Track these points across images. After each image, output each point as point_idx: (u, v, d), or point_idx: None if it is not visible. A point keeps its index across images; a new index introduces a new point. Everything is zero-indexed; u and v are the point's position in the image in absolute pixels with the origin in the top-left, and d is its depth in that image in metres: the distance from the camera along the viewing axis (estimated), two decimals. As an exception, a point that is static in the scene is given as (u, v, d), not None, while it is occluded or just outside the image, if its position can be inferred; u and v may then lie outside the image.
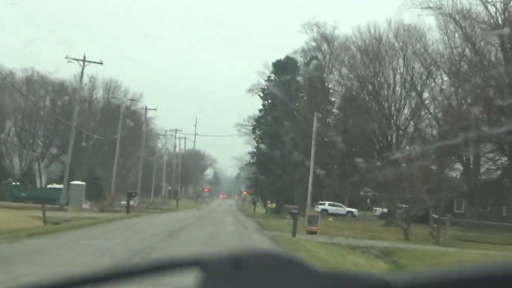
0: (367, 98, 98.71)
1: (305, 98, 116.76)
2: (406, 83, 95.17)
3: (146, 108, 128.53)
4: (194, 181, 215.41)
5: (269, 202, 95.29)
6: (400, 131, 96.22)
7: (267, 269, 1.77)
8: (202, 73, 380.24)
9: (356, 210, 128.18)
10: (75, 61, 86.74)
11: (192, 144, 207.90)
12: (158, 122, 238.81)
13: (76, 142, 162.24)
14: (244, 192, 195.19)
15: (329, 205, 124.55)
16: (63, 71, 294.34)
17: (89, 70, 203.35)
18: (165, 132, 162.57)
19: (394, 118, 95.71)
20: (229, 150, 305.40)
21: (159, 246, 34.28)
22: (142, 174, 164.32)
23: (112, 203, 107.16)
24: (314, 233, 61.23)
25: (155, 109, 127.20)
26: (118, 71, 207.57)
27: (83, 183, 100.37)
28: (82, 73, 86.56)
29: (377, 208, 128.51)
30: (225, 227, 60.26)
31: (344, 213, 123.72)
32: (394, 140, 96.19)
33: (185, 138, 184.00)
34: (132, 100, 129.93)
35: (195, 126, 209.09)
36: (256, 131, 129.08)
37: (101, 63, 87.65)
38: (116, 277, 1.98)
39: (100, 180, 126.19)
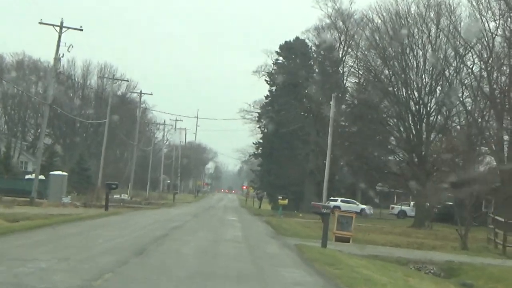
0: (391, 79, 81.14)
1: (317, 82, 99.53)
2: (439, 62, 77.78)
3: (140, 93, 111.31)
4: (195, 175, 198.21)
5: (280, 197, 78.15)
6: (432, 117, 78.80)
7: None
8: (206, 62, 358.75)
9: (371, 207, 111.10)
10: (52, 27, 68.90)
11: (193, 136, 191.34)
12: (158, 113, 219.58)
13: (70, 132, 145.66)
14: (245, 187, 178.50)
15: (342, 201, 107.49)
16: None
17: (85, 55, 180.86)
18: (164, 121, 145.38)
19: (422, 102, 78.26)
20: (232, 143, 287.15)
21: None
22: (140, 167, 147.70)
23: (98, 197, 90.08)
24: (346, 240, 44.05)
25: (151, 94, 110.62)
26: (114, 58, 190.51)
27: (65, 173, 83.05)
28: (58, 41, 68.80)
29: (394, 206, 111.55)
30: (227, 232, 42.74)
31: (358, 210, 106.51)
32: (424, 128, 78.71)
33: (185, 129, 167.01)
34: (121, 80, 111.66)
35: (197, 118, 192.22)
36: (262, 120, 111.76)
37: (81, 30, 69.83)
38: None
39: (90, 171, 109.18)
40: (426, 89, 78.36)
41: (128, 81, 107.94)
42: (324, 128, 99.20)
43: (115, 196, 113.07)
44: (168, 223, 46.16)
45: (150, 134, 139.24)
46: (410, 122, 78.55)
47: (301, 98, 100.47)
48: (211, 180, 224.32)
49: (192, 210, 74.56)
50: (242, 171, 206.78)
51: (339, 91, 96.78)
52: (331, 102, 78.73)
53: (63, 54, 69.15)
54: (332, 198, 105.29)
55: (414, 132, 78.49)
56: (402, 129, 79.52)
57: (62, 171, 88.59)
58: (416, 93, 78.49)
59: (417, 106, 78.48)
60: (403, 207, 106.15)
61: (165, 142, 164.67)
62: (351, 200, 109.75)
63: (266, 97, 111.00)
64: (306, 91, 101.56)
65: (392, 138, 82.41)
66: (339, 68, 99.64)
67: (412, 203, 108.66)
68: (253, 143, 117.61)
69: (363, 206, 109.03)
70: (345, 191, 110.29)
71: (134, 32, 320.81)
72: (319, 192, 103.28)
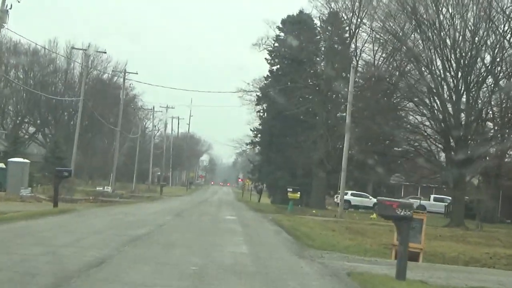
0: (423, 47, 62.74)
1: (327, 56, 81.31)
2: (482, 27, 59.75)
3: (124, 72, 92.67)
4: (188, 167, 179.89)
5: (290, 190, 59.84)
6: (472, 93, 60.52)
7: None
8: (200, 48, 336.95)
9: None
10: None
11: (187, 128, 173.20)
12: (149, 103, 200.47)
13: (54, 120, 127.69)
14: (241, 179, 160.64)
15: (352, 195, 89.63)
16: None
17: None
18: (153, 107, 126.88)
19: (462, 74, 60.03)
20: (227, 132, 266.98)
21: None
22: (130, 158, 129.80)
23: (70, 188, 72.08)
24: (413, 257, 26.20)
25: (136, 73, 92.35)
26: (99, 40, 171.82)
27: (26, 160, 64.84)
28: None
29: (413, 200, 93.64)
30: (224, 247, 24.03)
31: (371, 205, 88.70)
32: (463, 106, 60.44)
33: (178, 118, 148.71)
34: (98, 52, 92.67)
35: (190, 107, 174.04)
36: (261, 103, 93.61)
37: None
38: None
39: (66, 160, 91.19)
40: (466, 60, 60.26)
41: (105, 52, 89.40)
42: (336, 109, 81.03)
43: (97, 188, 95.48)
44: (129, 230, 27.59)
45: (139, 121, 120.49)
46: (446, 98, 60.31)
47: (306, 77, 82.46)
48: (205, 172, 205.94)
49: (178, 206, 56.45)
50: (237, 163, 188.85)
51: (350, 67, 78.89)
52: (351, 72, 60.97)
53: (11, 5, 50.56)
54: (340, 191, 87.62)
55: (450, 111, 60.35)
56: (435, 106, 61.22)
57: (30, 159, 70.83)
58: (454, 64, 60.28)
59: (454, 80, 60.33)
60: (423, 202, 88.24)
61: (155, 131, 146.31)
62: (363, 193, 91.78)
63: (266, 77, 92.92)
64: (312, 71, 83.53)
65: (421, 118, 64.08)
66: (352, 42, 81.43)
67: (432, 196, 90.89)
68: (250, 129, 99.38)
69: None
70: (354, 183, 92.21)
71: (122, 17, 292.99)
72: (330, 184, 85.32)
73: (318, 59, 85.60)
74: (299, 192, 55.95)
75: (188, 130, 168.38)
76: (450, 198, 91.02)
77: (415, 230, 26.77)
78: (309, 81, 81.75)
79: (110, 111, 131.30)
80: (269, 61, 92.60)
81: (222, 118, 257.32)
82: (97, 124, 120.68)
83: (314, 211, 58.49)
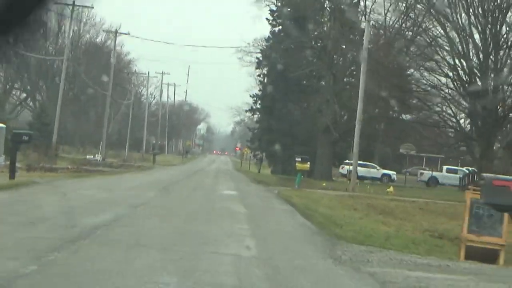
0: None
1: (331, 20, 72.55)
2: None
3: (116, 32, 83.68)
4: (185, 136, 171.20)
5: (299, 159, 50.49)
6: (502, 53, 51.87)
7: None
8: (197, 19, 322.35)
9: (394, 172, 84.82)
10: None
11: (184, 96, 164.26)
12: (144, 65, 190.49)
13: (48, 84, 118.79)
14: (238, 148, 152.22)
15: (359, 165, 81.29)
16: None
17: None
18: (148, 72, 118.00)
19: (491, 31, 51.40)
20: (225, 101, 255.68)
21: None
22: (126, 126, 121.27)
23: (52, 157, 63.84)
24: (490, 257, 18.05)
25: (128, 33, 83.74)
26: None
27: (1, 125, 56.39)
28: None
29: (424, 171, 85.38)
30: (218, 239, 16.05)
31: (379, 176, 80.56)
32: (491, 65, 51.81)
33: (174, 85, 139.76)
34: (83, 6, 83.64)
35: (188, 74, 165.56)
36: (261, 66, 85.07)
37: None
38: None
39: (52, 126, 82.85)
40: (496, 13, 51.64)
41: (92, 7, 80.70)
42: (344, 72, 72.43)
43: (88, 156, 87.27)
44: (86, 216, 18.46)
45: (132, 86, 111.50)
46: (472, 57, 51.77)
47: (311, 39, 73.76)
48: (203, 141, 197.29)
49: (168, 177, 47.52)
50: (235, 132, 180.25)
51: (359, 27, 70.25)
52: (366, 25, 52.49)
53: None
54: (347, 161, 79.24)
55: (478, 72, 51.81)
56: (458, 65, 52.61)
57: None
58: (481, 19, 51.66)
59: (481, 36, 51.74)
60: (434, 173, 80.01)
61: (151, 98, 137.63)
62: (369, 163, 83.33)
63: (267, 39, 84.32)
64: (316, 32, 74.76)
65: (445, 80, 55.46)
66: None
67: (445, 168, 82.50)
68: (250, 96, 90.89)
69: (386, 171, 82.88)
70: (360, 153, 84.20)
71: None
72: (336, 153, 77.04)
73: (323, 20, 76.86)
74: (308, 163, 47.72)
75: (186, 98, 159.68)
76: (464, 169, 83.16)
77: (492, 219, 18.44)
78: (313, 42, 73.05)
79: (104, 77, 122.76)
80: (270, 21, 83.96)
81: (221, 86, 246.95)
82: (90, 89, 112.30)
83: (324, 184, 50.02)
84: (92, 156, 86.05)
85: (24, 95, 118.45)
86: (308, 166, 44.78)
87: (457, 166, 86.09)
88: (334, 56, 70.19)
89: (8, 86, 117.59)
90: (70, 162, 69.80)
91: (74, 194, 25.97)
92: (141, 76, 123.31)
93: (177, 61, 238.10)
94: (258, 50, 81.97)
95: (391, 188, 49.68)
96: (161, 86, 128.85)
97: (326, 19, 70.97)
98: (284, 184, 49.47)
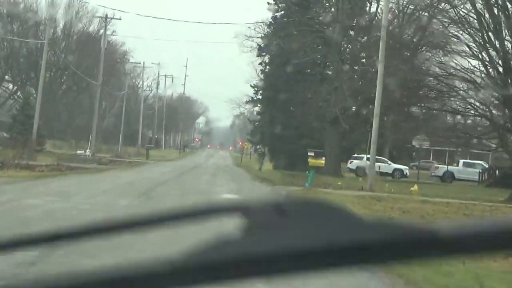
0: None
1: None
2: None
3: (106, 17, 75.46)
4: (184, 130, 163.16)
5: (311, 154, 42.20)
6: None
7: (312, 216, 1.45)
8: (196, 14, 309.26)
9: (406, 167, 76.93)
10: None
11: (182, 89, 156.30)
12: (140, 56, 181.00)
13: (38, 76, 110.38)
14: (240, 143, 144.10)
15: (369, 160, 73.75)
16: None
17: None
18: (143, 63, 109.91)
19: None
20: (224, 94, 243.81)
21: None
22: (120, 119, 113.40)
23: (31, 152, 56.07)
24: None
25: (120, 18, 75.91)
26: None
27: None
28: None
29: (438, 165, 77.53)
30: None
31: (390, 171, 72.71)
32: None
33: (172, 77, 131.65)
34: None
35: (186, 67, 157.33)
36: (263, 55, 77.23)
37: None
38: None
39: (33, 121, 75.08)
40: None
41: (105, 17, 72.71)
42: (353, 58, 64.43)
43: (78, 151, 79.55)
44: None
45: (125, 76, 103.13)
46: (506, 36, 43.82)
47: (316, 24, 65.88)
48: (202, 135, 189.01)
49: (157, 175, 39.73)
50: (235, 125, 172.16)
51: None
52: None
53: None
54: (355, 155, 71.57)
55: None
56: (489, 46, 44.61)
57: None
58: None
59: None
60: (450, 168, 72.20)
61: (148, 91, 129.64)
62: (380, 158, 75.50)
63: (269, 25, 76.48)
64: (320, 18, 66.83)
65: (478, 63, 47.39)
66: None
67: (462, 161, 74.46)
68: (250, 85, 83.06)
69: (398, 166, 75.01)
70: (367, 146, 76.31)
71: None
72: (345, 147, 69.25)
73: (328, 4, 69.00)
74: (323, 158, 40.00)
75: (184, 91, 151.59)
76: (482, 163, 75.32)
77: None
78: (319, 27, 65.07)
79: (97, 68, 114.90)
80: (271, 5, 76.03)
81: (220, 78, 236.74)
82: (82, 81, 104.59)
83: (339, 183, 41.93)
84: (83, 151, 78.28)
85: (15, 87, 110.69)
86: (323, 161, 36.66)
87: (467, 159, 78.35)
88: (342, 42, 62.21)
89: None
90: (56, 158, 62.14)
91: (8, 206, 18.14)
92: (138, 68, 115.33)
93: (175, 52, 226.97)
94: (259, 35, 74.00)
95: (416, 187, 41.84)
96: (158, 77, 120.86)
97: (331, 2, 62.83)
98: (291, 183, 41.61)
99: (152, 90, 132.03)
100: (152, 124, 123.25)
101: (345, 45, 63.11)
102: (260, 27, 74.11)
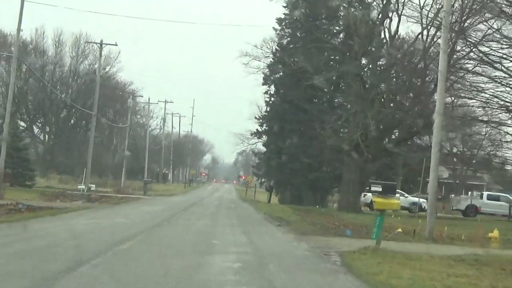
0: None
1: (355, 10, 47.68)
2: None
3: (101, 43, 58.41)
4: (192, 165, 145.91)
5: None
6: None
7: None
8: (201, 57, 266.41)
9: (424, 200, 59.70)
10: None
11: (189, 128, 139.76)
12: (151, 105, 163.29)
13: (45, 113, 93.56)
14: (243, 177, 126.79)
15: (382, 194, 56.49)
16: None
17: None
18: (148, 99, 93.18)
19: None
20: (229, 134, 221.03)
21: None
22: (132, 156, 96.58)
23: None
24: None
25: (115, 44, 59.13)
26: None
27: None
28: None
29: (460, 198, 60.55)
30: None
31: (407, 205, 55.28)
32: None
33: (179, 115, 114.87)
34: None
35: (193, 107, 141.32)
36: (269, 83, 60.29)
37: None
38: None
39: (26, 152, 58.05)
40: None
41: (100, 43, 55.34)
42: (375, 77, 47.32)
43: (79, 186, 62.18)
44: None
45: (137, 117, 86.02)
46: None
47: (330, 37, 49.27)
48: (208, 170, 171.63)
49: (142, 218, 22.21)
50: (238, 162, 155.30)
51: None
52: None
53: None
54: (368, 188, 54.10)
55: None
56: None
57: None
58: None
59: None
60: (473, 201, 54.79)
61: (156, 128, 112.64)
62: (397, 190, 58.57)
63: (275, 52, 59.68)
64: (333, 28, 50.12)
65: None
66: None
67: (486, 194, 57.17)
68: (255, 117, 65.99)
69: (415, 199, 57.62)
70: (376, 177, 58.62)
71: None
72: (367, 178, 52.05)
73: (342, 14, 52.14)
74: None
75: (191, 130, 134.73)
76: (508, 195, 58.20)
77: None
78: (336, 43, 48.30)
79: (109, 107, 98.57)
80: (278, 31, 59.39)
81: (225, 116, 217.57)
82: (89, 119, 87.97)
83: (399, 229, 24.23)
84: (84, 186, 61.15)
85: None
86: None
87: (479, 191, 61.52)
88: (362, 58, 45.23)
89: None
90: (38, 194, 45.26)
91: None
92: (146, 107, 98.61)
93: (183, 88, 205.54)
94: (266, 54, 56.99)
95: (496, 233, 24.89)
96: (164, 114, 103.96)
97: (351, 11, 45.90)
98: (323, 228, 24.54)
99: (161, 129, 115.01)
100: (160, 160, 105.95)
101: (365, 64, 46.10)
102: (268, 45, 57.14)
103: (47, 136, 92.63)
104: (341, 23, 48.23)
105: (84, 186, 56.70)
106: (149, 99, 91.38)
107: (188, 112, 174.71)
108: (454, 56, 41.49)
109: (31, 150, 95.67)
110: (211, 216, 28.55)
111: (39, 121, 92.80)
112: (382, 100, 45.38)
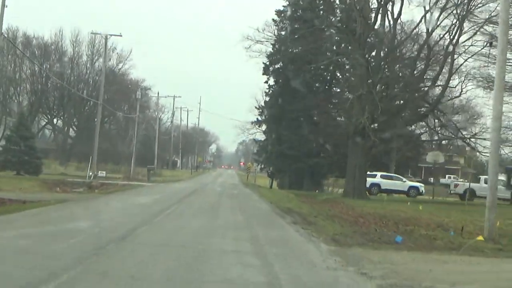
0: None
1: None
2: None
3: (106, 37, 48.65)
4: (199, 153, 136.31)
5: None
6: None
7: None
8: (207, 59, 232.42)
9: (421, 185, 50.40)
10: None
11: (196, 121, 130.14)
12: (161, 100, 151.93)
13: (65, 108, 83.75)
14: (243, 163, 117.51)
15: (382, 177, 46.65)
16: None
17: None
18: (158, 93, 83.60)
19: None
20: (231, 122, 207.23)
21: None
22: (144, 145, 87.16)
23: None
24: None
25: (120, 35, 49.99)
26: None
27: None
28: None
29: (458, 182, 51.42)
30: None
31: (405, 189, 45.63)
32: None
33: (187, 109, 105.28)
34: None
35: (199, 103, 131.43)
36: (270, 69, 50.74)
37: None
38: None
39: (33, 141, 48.42)
40: None
41: (105, 36, 46.60)
42: (379, 59, 37.66)
43: (90, 173, 52.48)
44: None
45: (138, 100, 75.69)
46: None
47: (332, 21, 39.69)
48: (213, 158, 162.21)
49: (130, 210, 14.57)
50: (239, 150, 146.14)
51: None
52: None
53: None
54: (368, 173, 44.57)
55: None
56: None
57: None
58: None
59: None
60: (472, 184, 45.32)
61: (167, 121, 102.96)
62: (394, 175, 48.28)
63: (274, 44, 50.13)
64: (338, 16, 40.60)
65: None
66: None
67: (483, 178, 47.84)
68: (255, 107, 56.40)
69: (413, 184, 48.22)
70: (371, 163, 48.80)
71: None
72: (373, 163, 42.54)
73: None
74: None
75: (198, 124, 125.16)
76: (502, 177, 48.90)
77: None
78: (336, 24, 38.80)
79: (123, 102, 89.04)
80: (277, 22, 49.80)
81: (228, 108, 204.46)
82: (110, 112, 78.65)
83: (479, 237, 15.23)
84: (91, 173, 51.54)
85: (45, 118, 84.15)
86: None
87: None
88: (367, 40, 35.70)
89: (33, 110, 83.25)
90: (39, 182, 35.83)
91: None
92: (158, 102, 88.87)
93: (191, 82, 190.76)
94: (268, 37, 47.25)
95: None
96: (173, 107, 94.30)
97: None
98: (352, 223, 15.29)
99: (172, 122, 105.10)
100: (169, 148, 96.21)
101: (371, 44, 36.45)
102: (270, 26, 47.48)
103: (68, 128, 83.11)
104: (343, 6, 38.34)
105: (91, 173, 47.15)
106: (158, 93, 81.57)
107: (195, 105, 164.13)
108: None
109: (52, 141, 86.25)
110: (211, 210, 18.94)
111: (60, 115, 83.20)
112: (385, 86, 35.87)
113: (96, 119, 67.68)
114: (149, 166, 56.00)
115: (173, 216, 15.57)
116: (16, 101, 78.49)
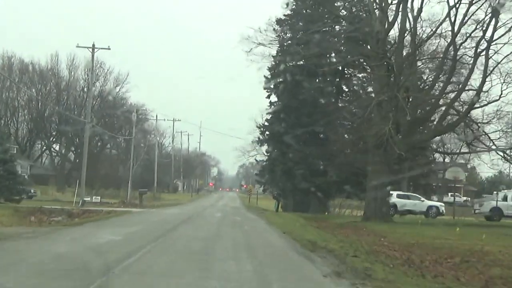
0: None
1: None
2: None
3: (93, 46, 41.83)
4: (201, 176, 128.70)
5: None
6: None
7: None
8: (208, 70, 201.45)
9: (442, 204, 43.02)
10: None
11: (197, 145, 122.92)
12: (159, 123, 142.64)
13: (63, 134, 76.08)
14: (245, 186, 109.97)
15: (399, 196, 39.27)
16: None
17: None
18: (156, 116, 76.50)
19: None
20: (232, 147, 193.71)
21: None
22: (146, 170, 79.79)
23: None
24: None
25: (108, 48, 43.04)
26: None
27: None
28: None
29: (483, 201, 44.21)
30: None
31: (424, 209, 38.10)
32: None
33: (188, 133, 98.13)
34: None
35: (200, 127, 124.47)
36: (273, 81, 43.66)
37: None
38: None
39: (12, 165, 41.13)
40: None
41: (92, 47, 40.14)
42: (401, 59, 30.45)
43: (85, 198, 44.80)
44: None
45: (134, 121, 68.17)
46: None
47: (342, 20, 32.63)
48: (214, 181, 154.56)
49: (89, 252, 7.53)
50: (239, 173, 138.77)
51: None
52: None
53: None
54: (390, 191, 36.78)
55: None
56: None
57: None
58: None
59: None
60: (492, 202, 37.89)
61: (167, 146, 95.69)
62: (411, 194, 41.13)
63: (275, 54, 43.14)
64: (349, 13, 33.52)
65: None
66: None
67: (510, 195, 40.57)
68: (256, 126, 49.17)
69: (432, 203, 40.80)
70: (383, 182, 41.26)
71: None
72: (398, 180, 34.81)
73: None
74: None
75: (199, 148, 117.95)
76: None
77: None
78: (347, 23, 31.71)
79: (124, 127, 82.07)
80: (278, 33, 42.92)
81: (229, 135, 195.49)
82: (110, 137, 71.47)
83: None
84: (89, 198, 44.37)
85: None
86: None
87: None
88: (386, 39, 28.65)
89: (32, 137, 76.09)
90: (12, 211, 28.43)
91: None
92: (158, 128, 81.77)
93: (192, 106, 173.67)
94: (270, 39, 40.01)
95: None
96: (173, 130, 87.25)
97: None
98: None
99: (173, 146, 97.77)
100: (170, 172, 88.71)
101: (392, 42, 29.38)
102: (272, 24, 40.47)
103: (66, 153, 75.88)
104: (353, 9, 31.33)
105: (79, 199, 39.73)
106: (156, 116, 74.40)
107: (193, 130, 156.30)
108: None
109: (51, 166, 79.01)
110: (202, 253, 11.47)
111: (59, 140, 76.13)
112: (405, 91, 28.65)
113: (98, 144, 60.37)
114: (140, 190, 48.40)
115: (130, 274, 8.13)
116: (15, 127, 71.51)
